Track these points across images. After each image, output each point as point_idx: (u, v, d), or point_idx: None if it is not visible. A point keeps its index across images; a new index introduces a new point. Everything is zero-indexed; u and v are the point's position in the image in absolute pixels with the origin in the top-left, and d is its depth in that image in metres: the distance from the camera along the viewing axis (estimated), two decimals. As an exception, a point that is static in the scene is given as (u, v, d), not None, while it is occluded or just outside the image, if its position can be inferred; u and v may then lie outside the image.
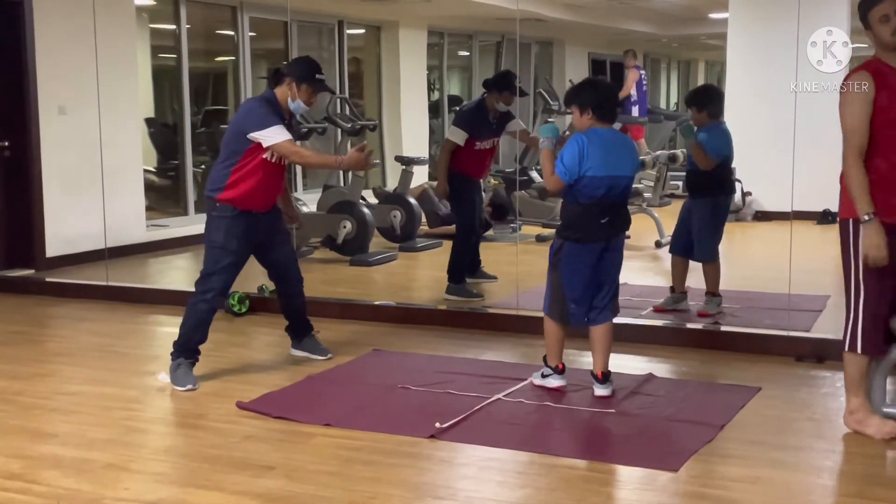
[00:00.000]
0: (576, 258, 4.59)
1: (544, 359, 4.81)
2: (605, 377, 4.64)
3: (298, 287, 5.31)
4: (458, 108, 7.02)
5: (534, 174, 10.27)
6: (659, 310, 6.24)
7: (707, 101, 6.12)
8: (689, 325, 5.91)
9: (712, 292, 6.17)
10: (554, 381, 4.74)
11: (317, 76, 5.00)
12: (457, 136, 6.59)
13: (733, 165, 6.30)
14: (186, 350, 4.94)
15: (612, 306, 4.70)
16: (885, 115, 3.90)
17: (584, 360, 5.28)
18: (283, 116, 4.92)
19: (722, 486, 3.62)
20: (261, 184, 4.90)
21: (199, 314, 4.94)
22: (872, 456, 3.95)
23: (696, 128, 6.04)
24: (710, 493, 3.57)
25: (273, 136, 4.81)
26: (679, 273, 6.25)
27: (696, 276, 6.27)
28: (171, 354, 4.96)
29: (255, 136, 4.81)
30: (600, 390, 4.64)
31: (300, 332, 5.42)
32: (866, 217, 3.85)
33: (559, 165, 4.49)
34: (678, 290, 6.26)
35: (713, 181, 6.06)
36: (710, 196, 6.09)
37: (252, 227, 4.96)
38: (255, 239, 5.01)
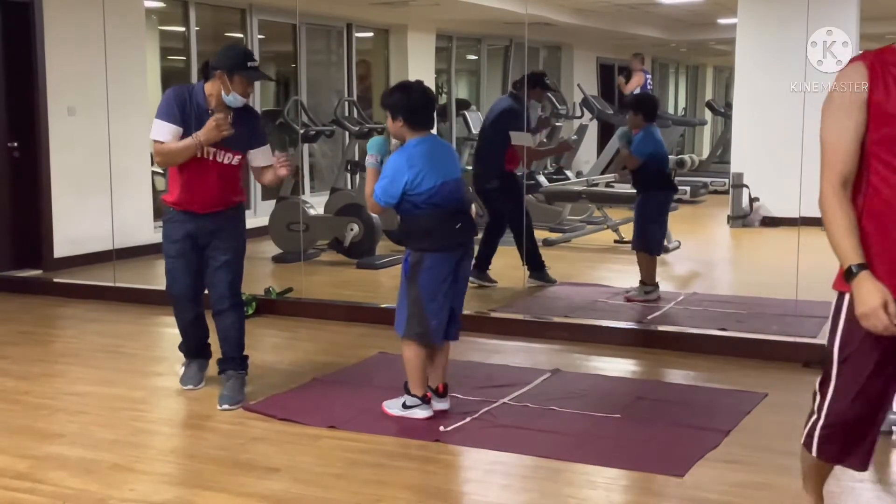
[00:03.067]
0: (437, 269, 4.29)
1: (405, 386, 4.42)
2: (447, 390, 4.49)
3: (217, 307, 4.77)
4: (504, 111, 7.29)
5: (541, 178, 10.28)
6: (630, 300, 6.64)
7: (641, 106, 6.76)
8: (696, 331, 5.90)
9: (643, 281, 6.64)
10: (422, 412, 4.36)
11: (249, 64, 4.57)
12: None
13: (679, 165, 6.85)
14: (185, 351, 5.00)
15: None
16: (882, 121, 2.66)
17: (591, 363, 5.29)
18: (185, 111, 4.54)
19: (728, 492, 3.61)
20: (191, 180, 4.60)
21: (179, 324, 4.91)
22: (880, 463, 3.94)
23: (632, 132, 6.66)
24: (715, 498, 3.56)
25: (153, 130, 4.56)
26: (643, 265, 6.69)
27: (701, 280, 6.26)
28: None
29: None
30: (442, 404, 4.45)
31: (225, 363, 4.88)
32: (854, 269, 2.72)
33: (377, 189, 4.26)
34: (647, 281, 6.66)
35: (648, 178, 6.61)
36: (646, 191, 6.67)
37: (192, 227, 4.67)
38: (197, 238, 4.69)
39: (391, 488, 3.64)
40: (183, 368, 4.97)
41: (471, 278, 7.13)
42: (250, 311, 6.49)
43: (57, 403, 4.72)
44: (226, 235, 4.72)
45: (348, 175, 9.77)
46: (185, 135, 4.53)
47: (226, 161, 4.62)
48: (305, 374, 5.10)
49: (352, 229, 8.30)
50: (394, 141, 4.47)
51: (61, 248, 8.02)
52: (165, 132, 4.53)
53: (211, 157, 4.57)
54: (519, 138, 7.01)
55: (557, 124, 10.99)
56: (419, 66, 11.94)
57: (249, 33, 10.10)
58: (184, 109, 4.55)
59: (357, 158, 10.22)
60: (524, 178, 7.53)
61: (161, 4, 9.90)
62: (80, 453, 4.01)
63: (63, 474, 3.78)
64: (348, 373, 5.16)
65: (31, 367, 5.36)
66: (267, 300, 6.59)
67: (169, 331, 6.39)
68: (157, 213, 9.23)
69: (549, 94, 10.97)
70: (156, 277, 8.24)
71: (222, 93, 4.54)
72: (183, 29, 9.70)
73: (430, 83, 12.12)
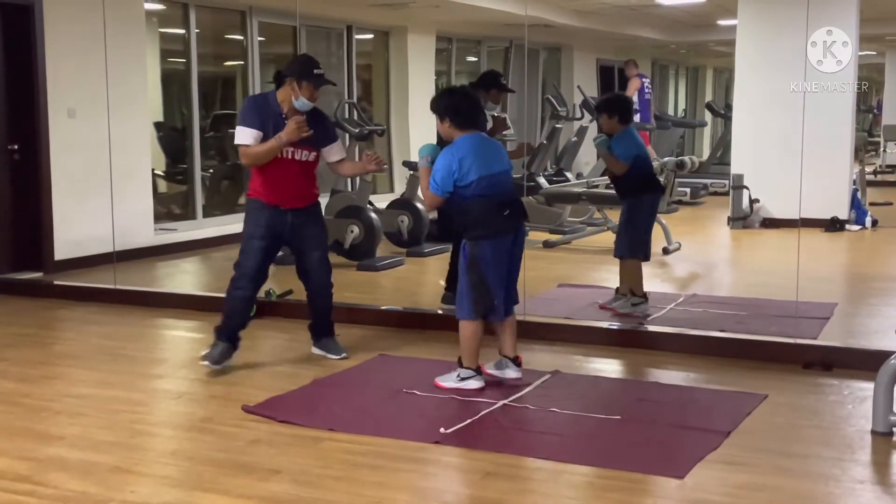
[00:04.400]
0: (492, 254, 4.75)
1: (459, 361, 4.87)
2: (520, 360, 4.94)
3: (321, 288, 5.43)
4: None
5: (541, 180, 10.28)
6: (612, 311, 6.39)
7: (616, 108, 6.32)
8: (696, 332, 5.89)
9: (624, 292, 6.39)
10: (476, 383, 4.82)
11: (315, 71, 5.16)
12: None
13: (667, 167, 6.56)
14: (222, 334, 5.28)
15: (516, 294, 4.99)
16: None
17: (591, 365, 5.30)
18: (264, 117, 5.11)
19: (728, 493, 3.61)
20: (274, 178, 5.14)
21: (230, 300, 5.28)
22: (880, 464, 3.95)
23: (608, 137, 6.31)
24: (716, 500, 3.56)
25: (237, 136, 5.12)
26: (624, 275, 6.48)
27: (701, 281, 6.26)
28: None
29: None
30: (517, 373, 4.88)
31: (318, 332, 5.54)
32: None
33: (433, 182, 4.75)
34: (640, 293, 6.41)
35: (633, 182, 6.29)
36: (632, 195, 6.35)
37: (277, 220, 5.19)
38: (280, 232, 5.22)
39: (391, 490, 3.64)
40: (209, 348, 5.23)
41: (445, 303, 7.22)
42: (251, 314, 6.48)
43: (57, 406, 4.72)
44: (314, 231, 5.35)
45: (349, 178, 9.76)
46: (264, 138, 5.09)
47: (303, 158, 5.20)
48: (305, 376, 5.11)
49: (352, 231, 8.31)
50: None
51: (62, 251, 8.02)
52: (249, 137, 5.10)
53: (290, 156, 5.15)
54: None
55: (557, 126, 11.00)
56: (419, 67, 11.95)
57: (249, 35, 10.11)
58: (262, 115, 5.13)
59: (357, 160, 10.22)
60: (524, 180, 7.51)
61: (161, 6, 9.91)
62: (80, 455, 4.01)
63: (63, 476, 3.78)
64: (348, 375, 5.17)
65: (31, 370, 5.36)
66: (267, 302, 6.58)
67: (169, 333, 6.41)
68: (158, 216, 9.26)
69: (549, 96, 11.00)
70: (156, 280, 8.26)
71: (292, 98, 5.11)
72: (183, 31, 9.70)
73: (430, 85, 12.14)
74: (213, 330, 5.31)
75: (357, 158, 10.24)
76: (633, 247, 6.35)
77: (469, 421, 4.35)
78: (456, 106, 4.84)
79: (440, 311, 6.35)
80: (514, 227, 4.83)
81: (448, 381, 4.85)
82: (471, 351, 4.84)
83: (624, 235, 6.38)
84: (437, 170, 4.74)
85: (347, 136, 9.50)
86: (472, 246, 4.76)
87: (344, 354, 5.44)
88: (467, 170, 4.68)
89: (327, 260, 5.45)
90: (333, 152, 5.39)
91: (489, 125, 6.78)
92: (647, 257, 6.45)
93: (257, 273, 5.26)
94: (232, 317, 5.28)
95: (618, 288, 6.50)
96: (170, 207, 10.22)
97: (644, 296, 6.35)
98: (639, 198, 6.33)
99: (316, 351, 5.52)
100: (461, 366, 4.87)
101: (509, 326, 4.92)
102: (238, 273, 5.26)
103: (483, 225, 4.74)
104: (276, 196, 5.19)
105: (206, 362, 5.18)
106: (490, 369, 4.93)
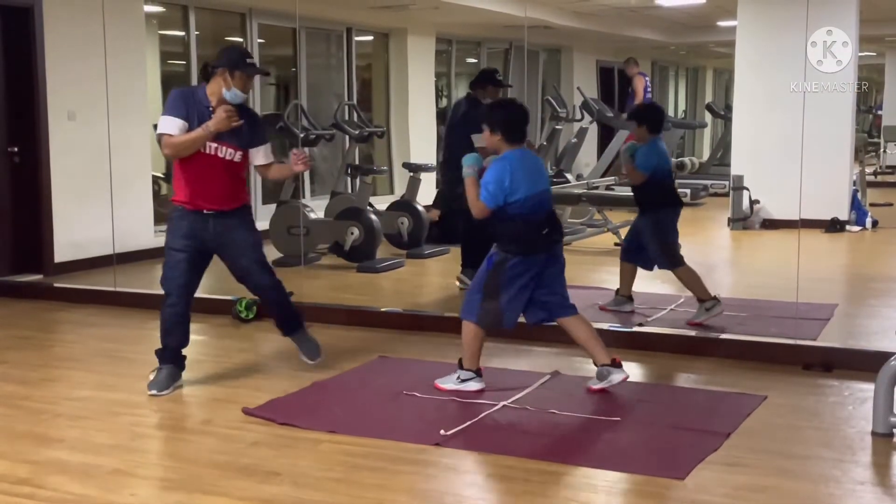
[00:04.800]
0: (518, 269, 4.72)
1: (460, 362, 4.87)
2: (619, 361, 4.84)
3: (267, 287, 5.15)
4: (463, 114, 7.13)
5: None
6: (603, 309, 6.45)
7: (644, 117, 6.28)
8: (695, 334, 5.90)
9: (624, 294, 6.44)
10: (476, 385, 4.82)
11: (247, 60, 4.92)
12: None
13: (671, 177, 6.45)
14: (164, 356, 5.02)
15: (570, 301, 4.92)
16: None
17: (591, 366, 5.28)
18: (189, 108, 4.79)
19: (728, 494, 3.61)
20: (196, 175, 4.83)
21: (164, 319, 5.01)
22: (881, 466, 3.94)
23: (636, 145, 6.24)
24: (716, 501, 3.56)
25: (160, 125, 4.80)
26: (626, 278, 6.46)
27: (705, 283, 6.25)
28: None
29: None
30: (622, 374, 4.79)
31: (285, 326, 5.32)
32: None
33: (484, 192, 4.66)
34: (623, 293, 6.45)
35: (650, 194, 6.21)
36: (651, 209, 6.25)
37: (198, 228, 4.89)
38: (202, 241, 4.91)
39: (391, 492, 3.64)
40: (153, 374, 4.97)
41: (461, 284, 7.22)
42: (250, 316, 6.49)
43: (57, 408, 4.72)
44: (242, 235, 5.00)
45: (348, 179, 9.77)
46: (189, 129, 4.77)
47: (228, 157, 4.86)
48: (305, 378, 5.10)
49: (352, 233, 8.31)
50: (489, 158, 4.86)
51: (62, 253, 8.02)
52: (173, 126, 4.78)
53: (213, 152, 4.81)
54: (478, 139, 6.78)
55: (557, 127, 10.99)
56: (419, 69, 11.95)
57: (249, 37, 10.11)
58: (188, 106, 4.82)
59: (357, 162, 10.23)
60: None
61: (161, 9, 9.91)
62: (80, 458, 4.01)
63: (63, 479, 3.78)
64: (348, 377, 5.16)
65: (31, 372, 5.36)
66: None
67: (169, 335, 6.39)
68: (158, 218, 9.24)
69: (549, 98, 11.00)
70: (156, 282, 8.19)
71: (223, 90, 4.82)
72: (183, 33, 9.71)
73: (429, 87, 12.15)
74: (155, 353, 5.04)
75: (356, 160, 10.28)
76: (672, 255, 6.20)
77: (469, 423, 4.35)
78: (511, 120, 4.78)
79: (449, 313, 6.32)
80: (551, 247, 4.79)
81: (448, 382, 4.85)
82: (472, 352, 4.83)
83: (656, 250, 6.21)
84: (490, 181, 4.66)
85: (347, 137, 9.53)
86: (502, 256, 4.73)
87: (319, 359, 5.26)
88: (517, 186, 4.65)
89: (265, 262, 5.13)
90: (260, 155, 5.02)
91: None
92: (681, 262, 6.27)
93: (185, 287, 4.96)
94: (169, 336, 4.98)
95: (618, 290, 6.50)
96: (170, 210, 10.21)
97: (715, 297, 6.14)
98: (657, 212, 6.22)
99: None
100: (461, 367, 4.86)
101: (583, 328, 4.87)
102: (165, 289, 4.99)
103: (518, 242, 4.72)
104: (198, 197, 4.85)
105: (154, 391, 4.85)
106: (596, 384, 4.82)
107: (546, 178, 4.94)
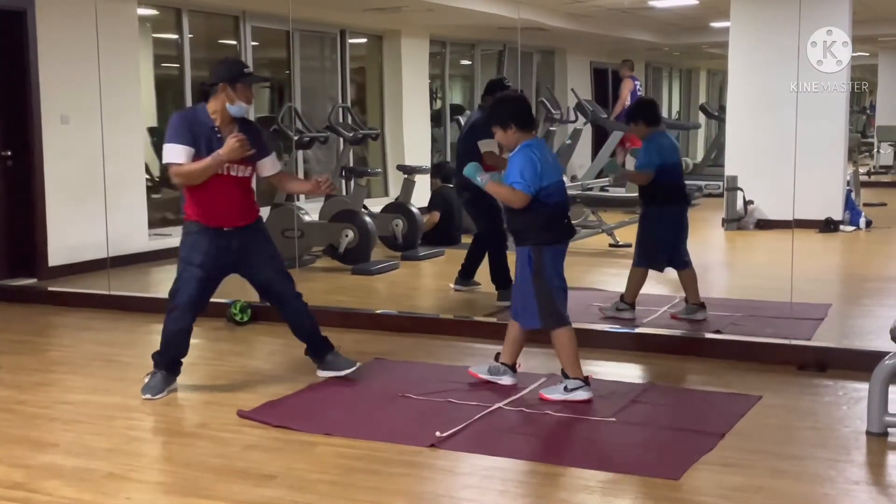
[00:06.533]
0: (556, 259, 4.73)
1: (563, 373, 4.74)
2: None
3: (297, 305, 5.08)
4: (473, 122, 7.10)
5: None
6: (674, 317, 6.27)
7: (639, 112, 6.21)
8: (690, 334, 5.90)
9: (692, 301, 6.21)
10: (584, 394, 4.67)
11: (245, 70, 4.87)
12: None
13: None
14: (158, 361, 4.99)
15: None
16: None
17: (586, 367, 5.28)
18: (195, 132, 4.73)
19: (723, 495, 3.61)
20: (214, 197, 4.79)
21: (167, 333, 4.94)
22: (875, 465, 3.95)
23: (617, 160, 6.22)
24: (711, 501, 3.56)
25: (166, 154, 4.74)
26: (688, 284, 6.24)
27: (699, 283, 6.26)
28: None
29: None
30: (512, 380, 4.89)
31: (317, 352, 5.16)
32: None
33: (521, 181, 4.59)
34: (692, 301, 6.23)
35: (654, 190, 6.10)
36: (654, 205, 6.18)
37: (221, 246, 4.85)
38: (224, 261, 4.89)
39: (387, 495, 3.63)
40: (148, 377, 4.94)
41: (456, 285, 7.24)
42: (245, 318, 6.49)
43: (51, 412, 4.71)
44: (262, 245, 5.00)
45: (343, 181, 9.77)
46: (197, 154, 4.72)
47: (240, 174, 4.84)
48: (300, 381, 5.09)
49: (346, 235, 8.30)
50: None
51: (56, 257, 8.01)
52: (180, 154, 4.71)
53: (226, 172, 4.77)
54: (486, 144, 6.78)
55: (551, 129, 11.01)
56: (413, 71, 11.95)
57: (243, 40, 10.10)
58: (192, 130, 4.75)
59: (351, 164, 10.23)
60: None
61: (154, 12, 9.90)
62: (75, 462, 4.00)
63: (58, 483, 3.77)
64: (343, 379, 5.15)
65: (25, 377, 5.34)
66: (262, 307, 6.55)
67: (164, 338, 6.38)
68: (152, 222, 9.24)
69: (543, 99, 11.01)
70: (150, 285, 8.24)
71: (227, 105, 4.77)
72: (176, 36, 9.70)
73: (423, 89, 12.15)
74: (151, 357, 5.00)
75: (350, 162, 10.28)
76: (647, 255, 6.19)
77: (465, 424, 4.34)
78: (519, 111, 4.74)
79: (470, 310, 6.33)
80: (572, 235, 4.81)
81: (554, 393, 4.70)
82: (571, 358, 4.70)
83: (639, 242, 6.23)
84: (523, 168, 4.58)
85: (341, 140, 9.53)
86: (537, 253, 4.66)
87: (356, 366, 5.11)
88: (546, 171, 4.62)
89: (286, 271, 5.10)
90: (268, 166, 5.01)
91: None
92: (657, 268, 6.28)
93: (195, 305, 4.89)
94: (170, 347, 4.94)
95: (685, 298, 6.29)
96: (164, 213, 10.20)
97: (632, 305, 6.24)
98: (661, 208, 6.13)
99: (323, 374, 5.10)
100: (566, 377, 4.72)
101: (514, 333, 4.94)
102: (172, 304, 4.89)
103: (548, 230, 4.67)
104: (216, 216, 4.81)
105: (147, 395, 4.82)
106: (484, 375, 4.93)
107: (560, 167, 4.93)
